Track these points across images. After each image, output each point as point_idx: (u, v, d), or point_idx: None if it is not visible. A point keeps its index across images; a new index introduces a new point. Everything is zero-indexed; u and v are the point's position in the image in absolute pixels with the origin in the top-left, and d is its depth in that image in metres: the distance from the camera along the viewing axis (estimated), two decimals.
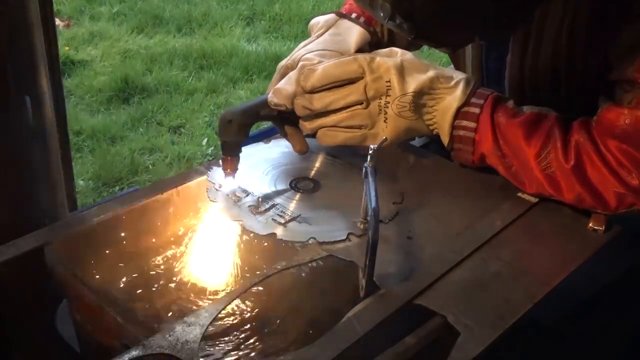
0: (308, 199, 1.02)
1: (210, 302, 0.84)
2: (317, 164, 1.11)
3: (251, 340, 0.94)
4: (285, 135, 1.08)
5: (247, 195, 1.01)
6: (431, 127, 1.01)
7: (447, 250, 0.92)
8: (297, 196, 1.02)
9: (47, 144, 1.30)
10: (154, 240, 1.05)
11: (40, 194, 1.32)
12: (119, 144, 3.00)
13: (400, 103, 0.97)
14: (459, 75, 1.00)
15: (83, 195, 2.65)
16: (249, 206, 0.98)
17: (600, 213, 0.97)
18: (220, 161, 1.02)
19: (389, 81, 0.97)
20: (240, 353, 0.93)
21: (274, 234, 0.94)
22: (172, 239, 1.07)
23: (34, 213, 1.31)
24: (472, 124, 0.98)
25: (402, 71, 0.97)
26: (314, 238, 0.93)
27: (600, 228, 0.97)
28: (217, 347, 0.93)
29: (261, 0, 4.57)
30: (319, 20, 1.14)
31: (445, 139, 1.01)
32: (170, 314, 0.99)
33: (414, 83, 0.97)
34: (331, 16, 1.14)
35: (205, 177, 1.06)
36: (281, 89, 0.99)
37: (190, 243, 1.08)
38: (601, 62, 0.99)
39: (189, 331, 0.78)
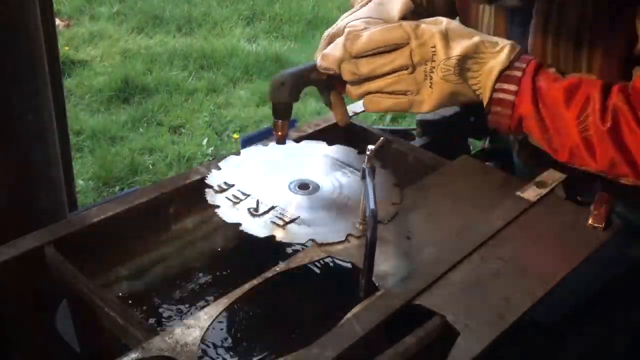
0: (307, 201, 1.02)
1: (210, 304, 0.84)
2: (316, 166, 1.11)
3: (251, 342, 0.94)
4: (329, 104, 1.09)
5: (247, 198, 1.01)
6: (477, 92, 1.02)
7: (446, 250, 0.92)
8: (296, 198, 1.02)
9: (47, 144, 1.30)
10: (154, 240, 1.05)
11: (40, 194, 1.32)
12: (119, 144, 3.00)
13: (445, 67, 0.98)
14: (504, 41, 1.00)
15: (83, 195, 2.65)
16: (248, 208, 0.98)
17: (628, 184, 0.96)
18: (272, 125, 1.03)
19: (434, 47, 0.97)
20: (240, 354, 0.93)
21: (273, 236, 0.94)
22: (171, 239, 1.07)
23: (34, 213, 1.31)
24: (513, 87, 0.98)
25: (446, 36, 0.98)
26: (313, 240, 0.93)
27: (600, 226, 0.97)
28: (216, 349, 0.93)
29: (261, 0, 4.57)
30: None
31: (485, 101, 1.01)
32: (170, 315, 0.99)
33: (458, 47, 0.98)
34: None
35: (205, 177, 1.06)
36: (329, 54, 1.00)
37: (189, 244, 1.08)
38: (624, 38, 1.00)
39: (189, 333, 0.78)
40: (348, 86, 1.03)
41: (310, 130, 1.23)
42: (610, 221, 0.98)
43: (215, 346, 0.94)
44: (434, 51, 0.97)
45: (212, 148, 3.04)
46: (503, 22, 1.16)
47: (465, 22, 1.27)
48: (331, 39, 1.05)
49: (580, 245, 0.95)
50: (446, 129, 1.41)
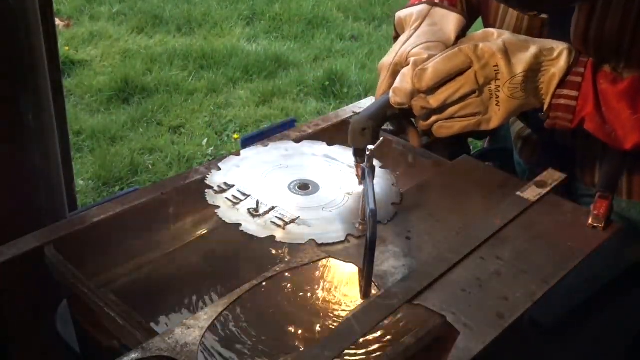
0: (307, 201, 1.02)
1: (210, 304, 0.84)
2: (316, 166, 1.11)
3: (251, 342, 0.94)
4: (401, 133, 1.10)
5: (246, 198, 1.01)
6: (542, 99, 1.02)
7: (446, 250, 0.92)
8: (296, 198, 1.02)
9: (47, 144, 1.30)
10: (153, 240, 1.05)
11: (40, 194, 1.32)
12: (119, 144, 3.00)
13: (512, 86, 0.98)
14: (559, 46, 1.01)
15: (83, 195, 2.66)
16: (248, 209, 0.98)
17: None
18: (355, 167, 1.03)
19: (497, 65, 0.98)
20: (240, 355, 0.93)
21: (273, 237, 0.94)
22: (171, 239, 1.07)
23: (34, 213, 1.31)
24: (574, 93, 0.99)
25: (506, 53, 0.98)
26: (313, 240, 0.93)
27: (600, 225, 0.97)
28: (216, 350, 0.93)
29: (261, 0, 4.58)
30: (412, 12, 1.15)
31: (545, 107, 1.02)
32: (169, 315, 0.99)
33: (521, 64, 0.98)
34: (423, 7, 1.15)
35: (205, 177, 1.06)
36: (400, 88, 1.01)
37: (190, 244, 1.08)
38: None
39: (188, 334, 0.78)
40: (418, 119, 1.04)
41: (310, 130, 1.23)
42: (610, 221, 0.98)
43: (214, 346, 0.94)
44: (497, 70, 0.98)
45: (212, 148, 3.05)
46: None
47: (485, 22, 1.26)
48: (395, 69, 1.06)
49: (580, 245, 0.95)
50: None
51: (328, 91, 3.58)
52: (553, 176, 1.07)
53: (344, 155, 1.14)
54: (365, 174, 0.92)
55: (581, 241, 0.95)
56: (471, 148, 1.49)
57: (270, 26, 4.32)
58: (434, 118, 1.02)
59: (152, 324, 0.96)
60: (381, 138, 1.00)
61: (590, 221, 0.98)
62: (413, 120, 1.08)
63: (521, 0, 0.96)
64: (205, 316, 0.80)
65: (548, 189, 1.04)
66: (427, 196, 1.05)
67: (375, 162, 1.01)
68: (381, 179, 1.07)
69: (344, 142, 1.18)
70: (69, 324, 0.99)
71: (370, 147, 0.93)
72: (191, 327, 0.79)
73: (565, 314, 1.00)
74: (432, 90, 0.99)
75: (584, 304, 1.04)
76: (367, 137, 0.99)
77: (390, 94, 1.01)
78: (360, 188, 1.04)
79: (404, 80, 1.00)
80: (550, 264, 0.91)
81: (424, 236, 0.96)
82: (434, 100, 0.99)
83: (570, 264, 0.91)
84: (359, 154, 1.00)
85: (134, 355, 0.75)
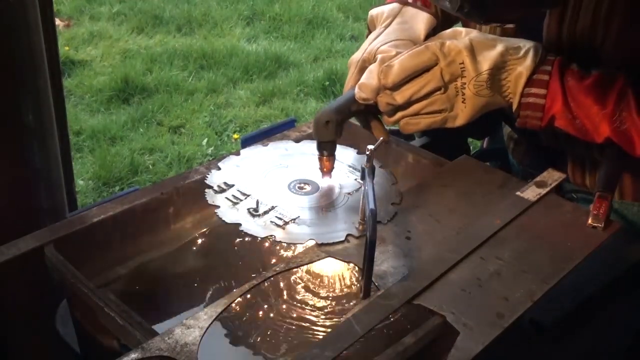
0: (306, 201, 1.02)
1: (209, 304, 0.84)
2: (316, 166, 1.11)
3: (250, 342, 0.94)
4: (368, 128, 1.11)
5: (246, 198, 1.01)
6: (507, 98, 1.03)
7: (446, 250, 0.92)
8: (296, 198, 1.02)
9: (47, 144, 1.31)
10: (153, 240, 1.05)
11: (40, 194, 1.32)
12: (119, 144, 3.00)
13: (477, 83, 0.99)
14: (526, 44, 1.01)
15: (83, 195, 2.66)
16: (248, 208, 0.98)
17: None
18: (318, 161, 1.04)
19: (462, 63, 0.99)
20: (240, 355, 0.93)
21: (272, 236, 0.94)
22: (171, 239, 1.07)
23: (34, 213, 1.31)
24: (542, 91, 1.00)
25: (472, 51, 0.99)
26: (313, 240, 0.93)
27: (600, 225, 0.97)
28: (216, 350, 0.93)
29: (261, 0, 4.58)
30: (383, 10, 1.17)
31: (515, 106, 1.03)
32: (169, 315, 0.99)
33: (486, 62, 0.99)
34: (394, 5, 1.16)
35: (205, 177, 1.06)
36: (366, 84, 1.02)
37: (189, 244, 1.08)
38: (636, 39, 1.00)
39: (188, 333, 0.78)
40: (384, 115, 1.05)
41: (310, 131, 1.23)
42: (610, 221, 0.98)
43: (214, 347, 0.94)
44: (463, 67, 0.99)
45: (212, 148, 3.04)
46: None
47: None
48: (363, 65, 1.07)
49: (580, 245, 0.95)
50: (446, 129, 1.41)
51: (328, 91, 3.58)
52: (553, 176, 1.07)
53: (344, 155, 1.14)
54: (365, 174, 0.92)
55: (581, 241, 0.95)
56: (471, 148, 1.49)
57: (270, 26, 4.32)
58: (399, 114, 1.03)
59: (152, 324, 0.96)
60: (381, 138, 1.00)
61: (590, 221, 0.98)
62: (379, 116, 1.08)
63: (481, 13, 0.97)
64: (205, 316, 0.80)
65: (548, 189, 1.04)
66: (427, 196, 1.05)
67: (375, 162, 1.01)
68: (381, 179, 1.07)
69: (343, 142, 1.18)
70: (69, 324, 0.99)
71: (370, 147, 0.93)
72: (191, 327, 0.79)
73: (565, 314, 1.00)
74: (398, 86, 0.99)
75: (584, 304, 1.04)
76: (331, 130, 1.00)
77: (356, 89, 1.02)
78: (325, 181, 1.05)
79: (370, 77, 1.01)
80: (550, 264, 0.91)
81: (424, 236, 0.96)
82: (400, 97, 1.00)
83: (570, 264, 0.91)
84: (322, 147, 1.02)
85: (134, 355, 0.75)
